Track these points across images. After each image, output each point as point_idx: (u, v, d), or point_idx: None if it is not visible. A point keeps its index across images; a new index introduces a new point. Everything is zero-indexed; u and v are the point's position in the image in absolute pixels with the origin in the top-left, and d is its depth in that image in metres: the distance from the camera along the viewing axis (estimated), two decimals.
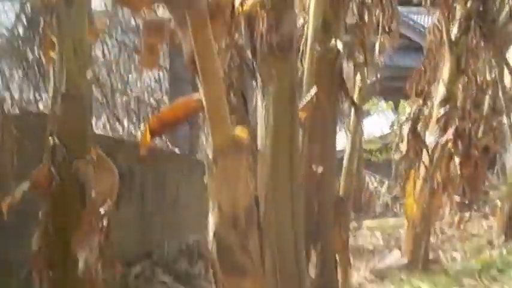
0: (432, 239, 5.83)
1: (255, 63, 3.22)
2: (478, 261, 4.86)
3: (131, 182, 4.43)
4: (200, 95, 1.68)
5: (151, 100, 6.74)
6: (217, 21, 1.67)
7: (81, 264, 2.25)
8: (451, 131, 4.94)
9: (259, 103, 3.21)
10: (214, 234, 1.64)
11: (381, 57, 8.34)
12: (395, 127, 10.47)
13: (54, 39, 2.48)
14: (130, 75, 6.75)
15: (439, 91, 5.28)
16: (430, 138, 5.07)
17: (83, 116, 2.50)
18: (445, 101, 5.13)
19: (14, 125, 2.75)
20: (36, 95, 4.11)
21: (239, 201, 1.63)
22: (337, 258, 3.97)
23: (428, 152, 4.97)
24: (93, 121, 4.89)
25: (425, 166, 4.98)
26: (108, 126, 5.64)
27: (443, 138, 4.93)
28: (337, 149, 4.51)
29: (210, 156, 1.64)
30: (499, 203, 6.36)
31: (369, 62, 6.92)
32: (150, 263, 4.50)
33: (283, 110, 3.14)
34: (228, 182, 1.62)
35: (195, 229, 5.04)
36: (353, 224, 7.20)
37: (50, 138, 2.42)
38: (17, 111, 3.33)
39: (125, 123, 6.11)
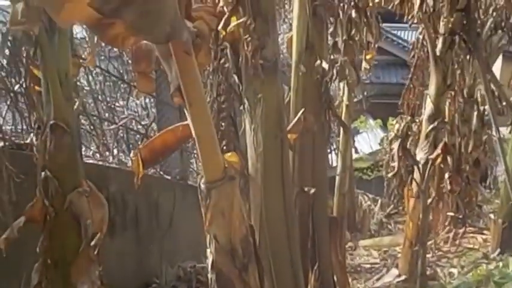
0: (429, 256, 5.81)
1: (241, 86, 3.24)
2: (475, 275, 4.83)
3: (125, 210, 4.40)
4: (188, 123, 1.68)
5: (140, 127, 6.71)
6: (201, 50, 1.68)
7: None
8: (440, 147, 4.94)
9: (247, 127, 3.21)
10: (213, 266, 1.64)
11: (367, 75, 8.45)
12: (384, 144, 10.50)
13: (38, 72, 2.47)
14: (116, 103, 6.74)
15: (427, 107, 5.31)
16: (420, 154, 5.08)
17: (72, 147, 2.48)
18: (433, 117, 5.15)
19: (8, 159, 2.72)
20: (27, 127, 4.09)
21: (235, 232, 1.64)
22: (335, 278, 3.94)
23: (419, 168, 4.97)
24: (83, 151, 4.87)
25: (417, 183, 4.97)
26: (97, 155, 5.60)
27: (433, 154, 4.93)
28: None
29: (203, 188, 1.64)
30: (492, 216, 6.36)
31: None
32: None
33: (271, 133, 3.15)
34: (223, 212, 1.63)
35: (192, 255, 5.00)
36: (349, 244, 7.17)
37: (41, 171, 2.41)
38: (8, 144, 3.31)
39: (115, 151, 6.07)
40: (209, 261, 1.64)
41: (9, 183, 2.53)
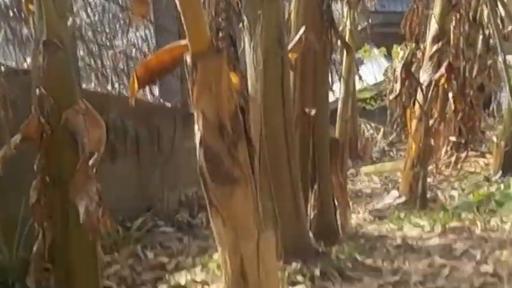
0: (430, 180, 5.85)
1: (240, 3, 3.14)
2: (476, 196, 4.87)
3: (125, 136, 4.40)
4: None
5: (139, 56, 6.62)
6: None
7: (82, 212, 2.23)
8: (444, 67, 4.85)
9: (246, 45, 3.14)
10: (201, 142, 1.60)
11: (372, 3, 8.22)
12: (389, 74, 10.36)
13: None
14: (116, 36, 6.61)
15: (431, 28, 5.18)
16: (423, 76, 5.00)
17: (67, 64, 2.44)
18: (437, 38, 5.04)
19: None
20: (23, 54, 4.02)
21: (223, 108, 1.58)
22: (336, 200, 3.98)
23: (422, 90, 4.91)
24: (83, 83, 4.81)
25: (420, 105, 4.93)
26: (97, 86, 5.55)
27: (437, 75, 4.85)
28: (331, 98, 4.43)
29: (189, 61, 1.58)
30: (495, 139, 6.35)
31: (360, 7, 6.83)
32: (152, 215, 4.52)
33: (271, 51, 3.08)
34: (210, 86, 1.57)
35: (193, 181, 5.05)
36: (350, 170, 7.22)
37: (36, 89, 2.37)
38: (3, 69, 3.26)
39: (115, 83, 6.01)
40: (196, 137, 1.61)
41: (5, 101, 2.50)
